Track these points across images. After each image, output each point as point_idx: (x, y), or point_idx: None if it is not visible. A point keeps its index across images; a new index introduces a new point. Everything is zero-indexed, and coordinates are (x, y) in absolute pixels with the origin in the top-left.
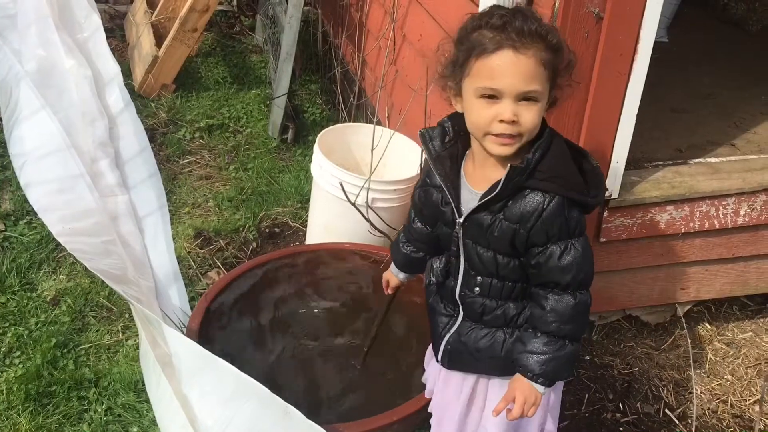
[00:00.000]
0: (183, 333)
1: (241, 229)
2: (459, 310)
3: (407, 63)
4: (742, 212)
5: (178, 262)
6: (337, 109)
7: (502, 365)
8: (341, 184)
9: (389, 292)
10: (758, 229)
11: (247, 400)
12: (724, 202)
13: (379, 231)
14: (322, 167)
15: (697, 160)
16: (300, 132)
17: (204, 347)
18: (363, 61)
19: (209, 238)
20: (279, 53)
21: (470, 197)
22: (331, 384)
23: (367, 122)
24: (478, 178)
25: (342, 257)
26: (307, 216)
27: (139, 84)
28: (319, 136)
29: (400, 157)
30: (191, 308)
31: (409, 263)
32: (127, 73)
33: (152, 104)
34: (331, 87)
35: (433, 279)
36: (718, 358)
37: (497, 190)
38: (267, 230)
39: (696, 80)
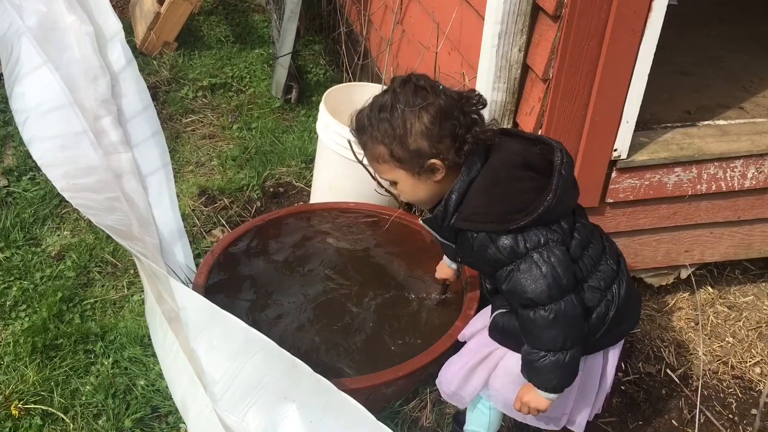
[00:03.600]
0: (190, 288)
1: (245, 188)
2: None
3: (414, 22)
4: (749, 175)
5: (183, 220)
6: (341, 69)
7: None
8: (349, 143)
9: (441, 278)
10: (765, 192)
11: (254, 354)
12: (732, 165)
13: (386, 190)
14: (328, 126)
15: (705, 122)
16: (303, 92)
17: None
18: (368, 21)
19: (213, 196)
20: (283, 12)
21: None
22: (338, 337)
23: (372, 81)
24: None
25: (351, 217)
26: (311, 176)
27: (141, 41)
28: (324, 95)
29: None
30: (196, 265)
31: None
32: (128, 30)
33: (154, 62)
34: (334, 47)
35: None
36: (719, 321)
37: (433, 231)
38: (271, 189)
39: (704, 43)
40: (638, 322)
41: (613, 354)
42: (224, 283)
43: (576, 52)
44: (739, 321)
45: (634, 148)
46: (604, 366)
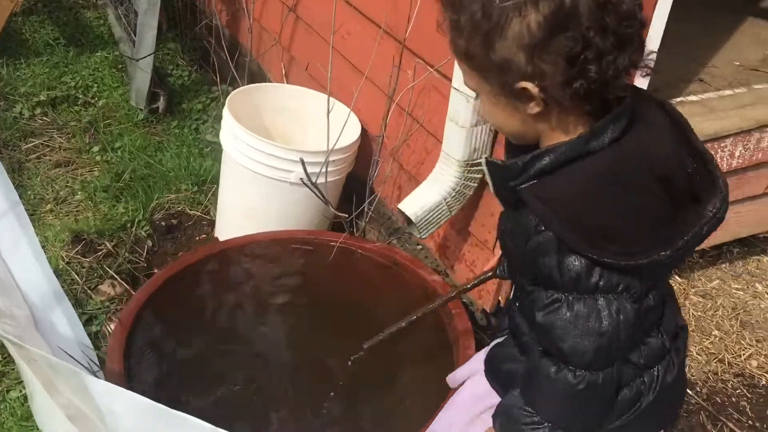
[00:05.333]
0: (98, 376)
1: (129, 225)
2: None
3: (313, 6)
4: (737, 154)
5: (57, 278)
6: (209, 70)
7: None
8: (302, 161)
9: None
10: (746, 171)
11: None
12: (722, 144)
13: (337, 213)
14: (238, 138)
15: (679, 99)
16: (171, 100)
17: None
18: (244, 11)
19: (91, 241)
20: (129, 6)
21: None
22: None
23: (252, 82)
24: None
25: (288, 250)
26: (209, 201)
27: None
28: (228, 99)
29: (319, 120)
30: (90, 337)
31: None
32: None
33: None
34: (195, 45)
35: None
36: (699, 313)
37: (491, 186)
38: (162, 223)
39: None
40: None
41: None
42: (147, 363)
43: None
44: (717, 311)
45: None
46: None
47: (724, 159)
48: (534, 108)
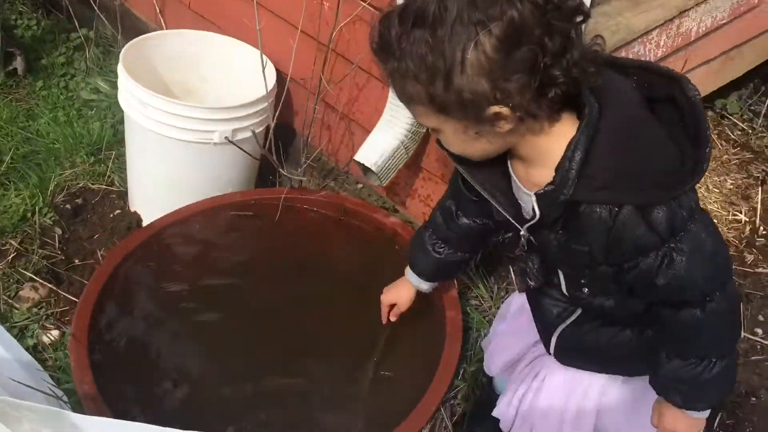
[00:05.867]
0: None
1: (29, 215)
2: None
3: None
4: (662, 43)
5: None
6: (61, 15)
7: (630, 366)
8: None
9: (394, 317)
10: (667, 57)
11: None
12: (650, 37)
13: (285, 173)
14: (148, 105)
15: None
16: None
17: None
18: None
19: None
20: None
21: (527, 199)
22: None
23: (115, 24)
24: (530, 180)
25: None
26: (113, 170)
27: None
28: (121, 55)
29: (219, 65)
30: (33, 354)
31: (443, 269)
32: None
33: None
34: None
35: (532, 283)
36: None
37: (536, 217)
38: (66, 206)
39: None
40: None
41: None
42: (120, 376)
43: None
44: None
45: None
46: None
47: (651, 51)
48: (505, 126)
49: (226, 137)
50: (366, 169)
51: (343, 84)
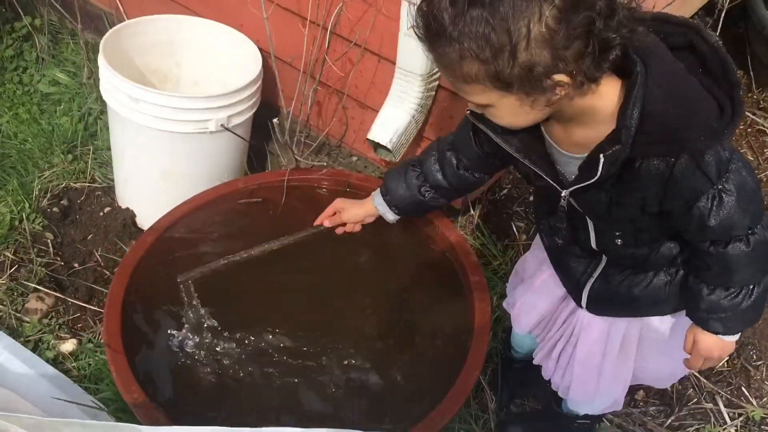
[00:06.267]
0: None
1: (16, 223)
2: (600, 256)
3: None
4: None
5: None
6: (2, 4)
7: (664, 307)
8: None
9: (330, 224)
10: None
11: None
12: None
13: (298, 158)
14: (140, 100)
15: None
16: None
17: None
18: None
19: None
20: None
21: (567, 160)
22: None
23: (70, 12)
24: (571, 141)
25: (235, 206)
26: (94, 168)
27: None
28: (101, 49)
29: (194, 47)
30: (54, 366)
31: (419, 208)
32: None
33: None
34: None
35: (560, 241)
36: None
37: (597, 177)
38: (54, 209)
39: None
40: None
41: None
42: (165, 380)
43: None
44: None
45: None
46: None
47: None
48: (562, 92)
49: (222, 125)
50: (377, 146)
51: (333, 58)
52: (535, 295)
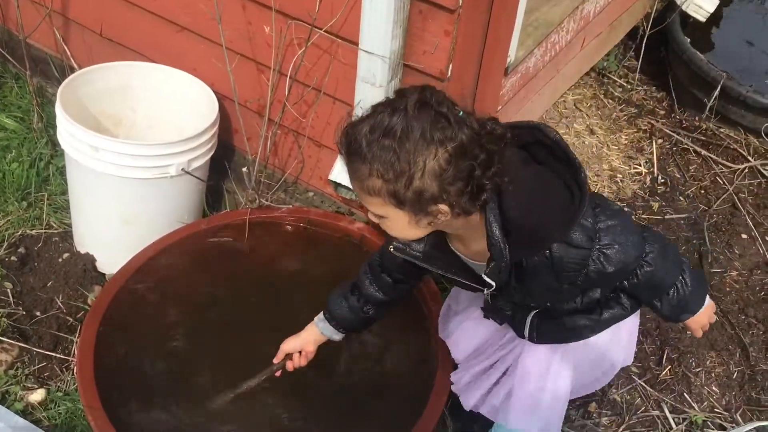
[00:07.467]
0: None
1: None
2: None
3: None
4: (570, 29)
5: None
6: None
7: (598, 328)
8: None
9: (292, 368)
10: (573, 39)
11: None
12: (561, 28)
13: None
14: (100, 149)
15: None
16: None
17: None
18: None
19: None
20: None
21: (477, 266)
22: None
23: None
24: (471, 252)
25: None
26: (49, 214)
27: None
28: (58, 98)
29: (148, 94)
30: (35, 423)
31: (367, 323)
32: None
33: None
34: None
35: (504, 319)
36: None
37: (494, 287)
38: (11, 258)
39: None
40: None
41: None
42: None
43: None
44: None
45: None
46: None
47: (563, 38)
48: (441, 218)
49: (182, 168)
50: (337, 185)
51: (290, 101)
52: (475, 323)
